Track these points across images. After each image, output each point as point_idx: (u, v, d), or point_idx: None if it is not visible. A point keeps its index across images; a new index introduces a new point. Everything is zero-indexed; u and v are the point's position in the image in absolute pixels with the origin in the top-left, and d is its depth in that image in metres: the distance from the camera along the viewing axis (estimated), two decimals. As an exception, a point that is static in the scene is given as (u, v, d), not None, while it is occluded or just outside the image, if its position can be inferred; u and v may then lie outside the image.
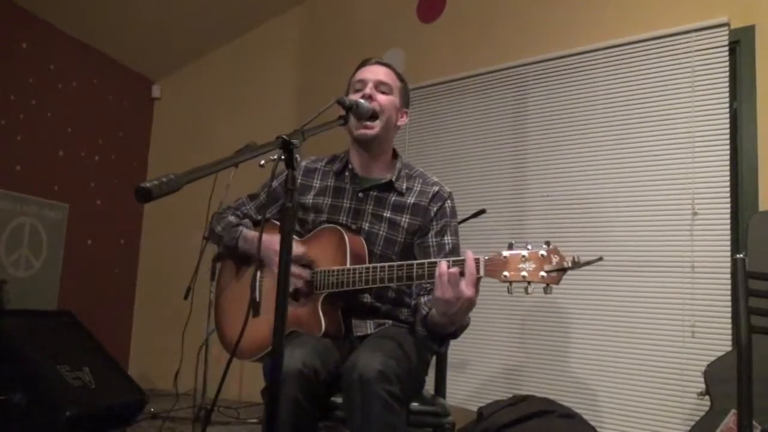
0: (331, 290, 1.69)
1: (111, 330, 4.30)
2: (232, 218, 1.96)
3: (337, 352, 1.68)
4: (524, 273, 1.41)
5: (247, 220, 1.96)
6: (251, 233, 1.89)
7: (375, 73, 1.85)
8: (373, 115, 1.78)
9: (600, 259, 1.34)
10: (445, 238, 1.84)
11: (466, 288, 1.46)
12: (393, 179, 1.86)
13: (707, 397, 2.25)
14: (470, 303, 1.49)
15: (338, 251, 1.73)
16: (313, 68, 4.40)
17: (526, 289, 1.42)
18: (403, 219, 1.84)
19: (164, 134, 4.92)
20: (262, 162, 1.33)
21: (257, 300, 1.85)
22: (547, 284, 1.39)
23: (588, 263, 1.35)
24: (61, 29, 4.09)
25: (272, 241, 1.76)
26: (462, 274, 1.47)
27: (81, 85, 4.28)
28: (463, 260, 1.48)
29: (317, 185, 1.92)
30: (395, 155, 1.96)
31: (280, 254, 1.22)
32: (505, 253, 1.44)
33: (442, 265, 1.49)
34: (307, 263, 1.76)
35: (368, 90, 1.80)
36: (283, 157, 1.26)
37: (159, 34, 4.41)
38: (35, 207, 3.92)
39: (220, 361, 1.40)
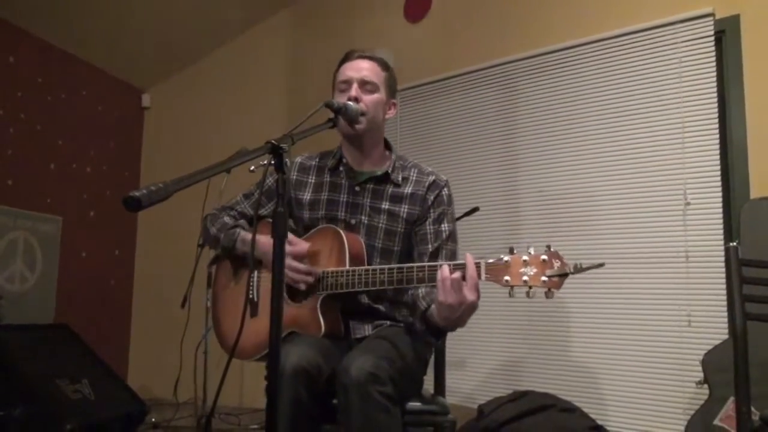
0: (331, 291, 1.69)
1: (109, 341, 4.29)
2: (227, 219, 1.94)
3: (338, 353, 1.67)
4: (525, 278, 1.40)
5: (243, 221, 1.93)
6: (250, 235, 1.86)
7: (358, 70, 1.83)
8: (362, 114, 1.78)
9: (602, 264, 1.34)
10: (443, 225, 1.84)
11: (468, 293, 1.46)
12: (389, 171, 1.87)
13: (706, 385, 2.26)
14: (472, 307, 1.49)
15: (337, 252, 1.72)
16: (301, 71, 4.40)
17: (527, 293, 1.41)
18: (402, 209, 1.84)
19: (156, 143, 4.91)
20: (252, 167, 1.33)
21: (255, 300, 1.85)
22: (549, 289, 1.39)
23: (590, 268, 1.35)
24: (47, 42, 4.08)
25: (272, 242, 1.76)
26: (464, 278, 1.46)
27: (70, 96, 4.27)
28: (464, 264, 1.47)
29: (313, 181, 1.92)
30: (388, 147, 1.95)
31: (273, 259, 1.22)
32: (506, 257, 1.44)
33: (444, 269, 1.48)
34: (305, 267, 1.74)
35: (353, 92, 1.79)
36: (272, 162, 1.26)
37: (147, 43, 4.40)
38: (28, 221, 3.90)
39: (221, 368, 1.39)
